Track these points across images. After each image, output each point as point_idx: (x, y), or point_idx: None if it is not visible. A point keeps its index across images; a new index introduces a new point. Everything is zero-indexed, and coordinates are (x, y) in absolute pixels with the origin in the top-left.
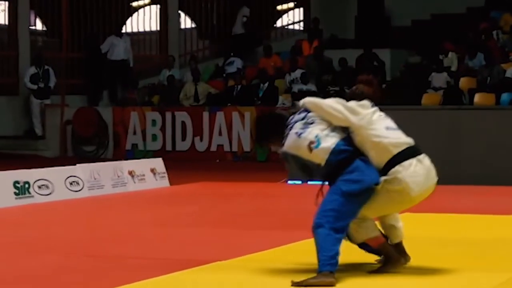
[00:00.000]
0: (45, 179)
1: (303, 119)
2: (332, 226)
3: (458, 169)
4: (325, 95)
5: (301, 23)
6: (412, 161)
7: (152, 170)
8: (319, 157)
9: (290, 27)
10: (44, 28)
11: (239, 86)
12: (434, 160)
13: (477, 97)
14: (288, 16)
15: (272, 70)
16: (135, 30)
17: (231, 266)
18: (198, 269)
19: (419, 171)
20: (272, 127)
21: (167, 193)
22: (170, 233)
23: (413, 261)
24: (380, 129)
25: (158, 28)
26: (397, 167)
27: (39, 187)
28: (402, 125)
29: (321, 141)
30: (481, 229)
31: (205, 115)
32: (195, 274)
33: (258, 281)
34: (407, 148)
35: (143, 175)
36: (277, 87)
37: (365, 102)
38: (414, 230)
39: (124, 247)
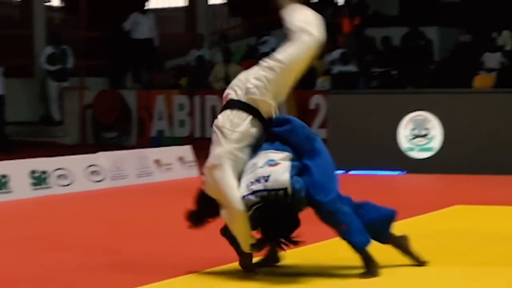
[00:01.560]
0: (64, 169)
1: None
2: (335, 196)
3: None
4: (368, 77)
5: None
6: None
7: (180, 159)
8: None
9: None
10: (62, 4)
11: None
12: (487, 147)
13: None
14: None
15: None
16: (160, 6)
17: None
18: (228, 267)
19: None
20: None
21: (196, 184)
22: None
23: (467, 258)
24: None
25: (186, 4)
26: None
27: (58, 177)
28: (452, 110)
29: (270, 158)
30: None
31: None
32: (222, 272)
33: (299, 279)
34: None
35: (170, 164)
36: (315, 69)
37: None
38: (467, 224)
39: (149, 244)
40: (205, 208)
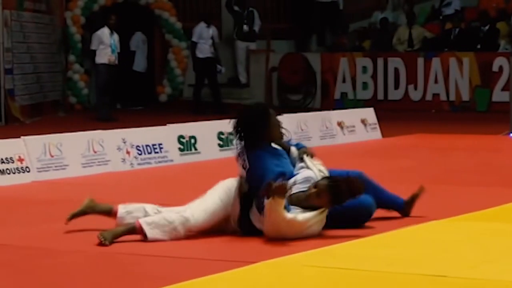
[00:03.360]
0: None
1: None
2: None
3: None
4: None
5: None
6: None
7: (363, 121)
8: None
9: None
10: None
11: (457, 30)
12: None
13: None
14: None
15: (493, 11)
16: None
17: (447, 225)
18: (414, 227)
19: None
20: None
21: (379, 146)
22: None
23: None
24: None
25: None
26: None
27: None
28: None
29: None
30: None
31: (420, 61)
32: (409, 233)
33: (475, 241)
34: None
35: (353, 126)
36: (499, 30)
37: None
38: None
39: None
40: None
